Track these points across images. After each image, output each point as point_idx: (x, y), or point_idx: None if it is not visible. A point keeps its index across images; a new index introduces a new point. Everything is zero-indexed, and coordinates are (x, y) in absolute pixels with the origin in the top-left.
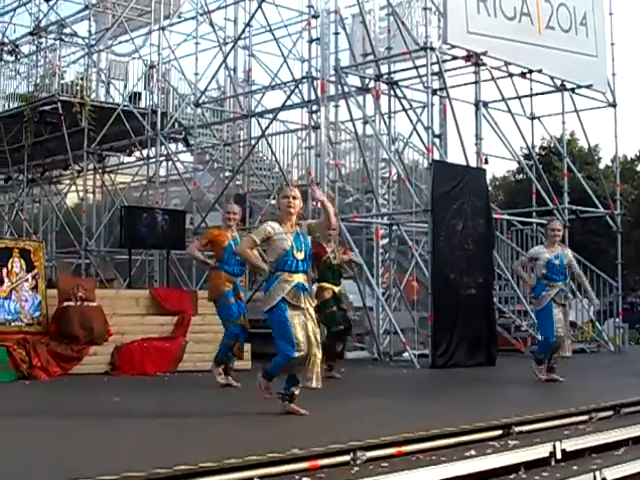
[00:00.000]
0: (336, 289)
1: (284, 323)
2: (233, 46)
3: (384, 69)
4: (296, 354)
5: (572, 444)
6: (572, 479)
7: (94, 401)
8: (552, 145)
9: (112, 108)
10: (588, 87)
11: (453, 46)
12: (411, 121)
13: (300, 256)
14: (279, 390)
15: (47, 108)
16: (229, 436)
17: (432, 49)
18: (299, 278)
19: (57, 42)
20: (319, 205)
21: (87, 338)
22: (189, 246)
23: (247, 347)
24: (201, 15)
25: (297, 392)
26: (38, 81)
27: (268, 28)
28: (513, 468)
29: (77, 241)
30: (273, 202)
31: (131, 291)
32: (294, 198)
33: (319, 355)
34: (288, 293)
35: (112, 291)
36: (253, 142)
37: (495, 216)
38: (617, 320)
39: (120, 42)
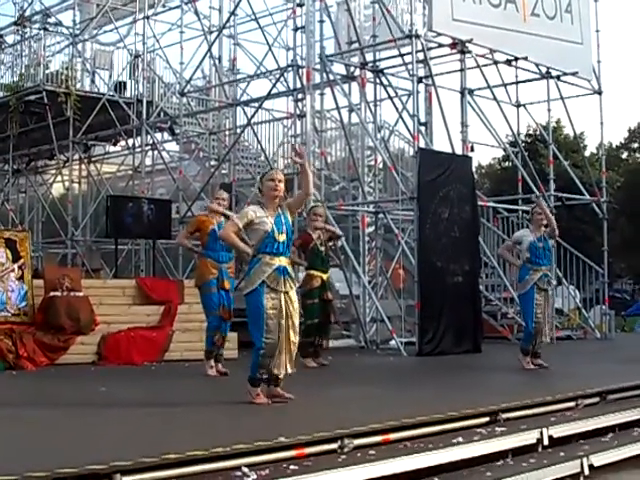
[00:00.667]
0: (324, 277)
1: (258, 309)
2: (218, 35)
3: (369, 57)
4: (264, 342)
5: (559, 430)
6: (559, 465)
7: (81, 391)
8: (538, 133)
9: (97, 98)
10: (573, 74)
11: (438, 34)
12: (397, 109)
13: (282, 238)
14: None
15: (32, 98)
16: (216, 425)
17: (417, 37)
18: (281, 261)
19: (42, 32)
20: (299, 167)
21: (73, 328)
22: (178, 235)
23: (234, 336)
24: (186, 4)
25: (281, 376)
26: (23, 71)
27: (253, 17)
28: (500, 454)
29: (63, 231)
30: (254, 189)
31: (117, 281)
32: (280, 181)
33: (294, 340)
34: (268, 277)
35: (98, 281)
36: (239, 131)
37: (481, 203)
38: (603, 307)
39: (105, 31)
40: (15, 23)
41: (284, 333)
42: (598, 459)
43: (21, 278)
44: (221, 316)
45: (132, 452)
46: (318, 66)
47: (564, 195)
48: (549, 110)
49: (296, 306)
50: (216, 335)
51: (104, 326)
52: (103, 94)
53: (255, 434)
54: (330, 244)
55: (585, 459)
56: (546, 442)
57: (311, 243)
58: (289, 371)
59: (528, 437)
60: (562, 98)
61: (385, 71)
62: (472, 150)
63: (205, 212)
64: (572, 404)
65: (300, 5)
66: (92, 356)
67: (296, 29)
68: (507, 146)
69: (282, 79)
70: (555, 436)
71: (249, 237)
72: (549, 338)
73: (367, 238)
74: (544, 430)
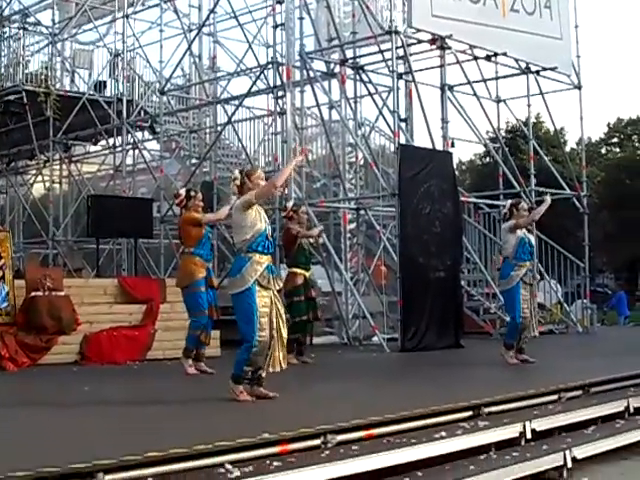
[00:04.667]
0: (307, 274)
1: (251, 307)
2: (198, 33)
3: (349, 54)
4: (258, 340)
5: (542, 424)
6: (542, 458)
7: (63, 391)
8: (518, 128)
9: (77, 97)
10: (553, 69)
11: (418, 30)
12: (377, 105)
13: (270, 238)
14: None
15: (12, 98)
16: (199, 422)
17: (397, 33)
18: (268, 260)
19: (21, 31)
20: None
21: (55, 328)
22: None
23: (216, 334)
24: (165, 2)
25: (264, 375)
26: (2, 71)
27: (233, 14)
28: (484, 448)
29: (44, 231)
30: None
31: (99, 280)
32: (262, 179)
33: (284, 336)
34: (260, 275)
35: (80, 280)
36: (219, 129)
37: (462, 199)
38: (585, 301)
39: (84, 31)
40: None
41: (276, 330)
42: (581, 452)
43: (2, 278)
44: (209, 315)
45: (115, 451)
46: (298, 63)
47: (545, 190)
48: (529, 105)
49: (281, 304)
50: (201, 334)
51: (86, 326)
52: (83, 93)
53: (238, 431)
54: (312, 241)
55: (568, 452)
56: (529, 435)
57: (296, 240)
58: (283, 367)
59: (511, 431)
60: (542, 93)
61: (365, 68)
62: (453, 146)
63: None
64: (555, 397)
65: (280, 2)
66: (74, 356)
67: (276, 26)
68: (488, 142)
69: (262, 77)
70: (538, 429)
71: (238, 227)
72: (537, 332)
73: (349, 235)
74: (527, 423)
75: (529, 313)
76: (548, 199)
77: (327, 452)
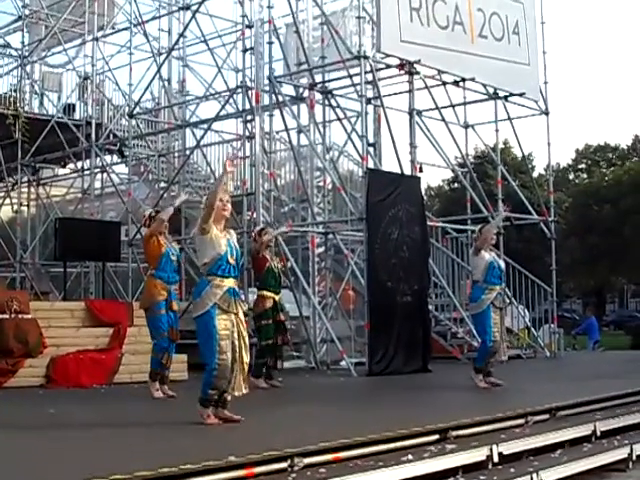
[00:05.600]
0: (277, 297)
1: (211, 332)
2: (167, 56)
3: (318, 78)
4: (217, 363)
5: (509, 447)
6: None
7: (29, 414)
8: (486, 153)
9: (46, 120)
10: (521, 95)
11: (387, 55)
12: (345, 130)
13: (232, 261)
14: (231, 418)
15: None
16: (165, 445)
17: (366, 58)
18: (230, 283)
19: None
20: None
21: (22, 351)
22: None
23: (184, 358)
24: (135, 26)
25: (229, 398)
26: None
27: (202, 38)
28: (451, 472)
29: (12, 254)
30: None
31: (66, 303)
32: (227, 201)
33: (246, 360)
34: (220, 298)
35: (47, 303)
36: (188, 153)
37: (430, 224)
38: (552, 326)
39: (53, 53)
40: None
41: (238, 353)
42: (548, 475)
43: None
44: (169, 338)
45: (80, 472)
46: (267, 87)
47: (513, 215)
48: (497, 131)
49: (244, 327)
50: (163, 357)
51: (53, 349)
52: (52, 116)
53: (204, 454)
54: (280, 265)
55: (535, 475)
56: (496, 459)
57: (266, 264)
58: (245, 391)
59: (478, 454)
60: (510, 119)
61: (334, 92)
62: (421, 171)
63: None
64: (522, 421)
65: (249, 27)
66: (41, 379)
67: (245, 50)
68: (456, 167)
69: (231, 100)
70: (505, 453)
71: (199, 251)
72: (506, 356)
73: (317, 259)
74: (494, 447)
75: (499, 337)
76: (501, 210)
77: (294, 475)
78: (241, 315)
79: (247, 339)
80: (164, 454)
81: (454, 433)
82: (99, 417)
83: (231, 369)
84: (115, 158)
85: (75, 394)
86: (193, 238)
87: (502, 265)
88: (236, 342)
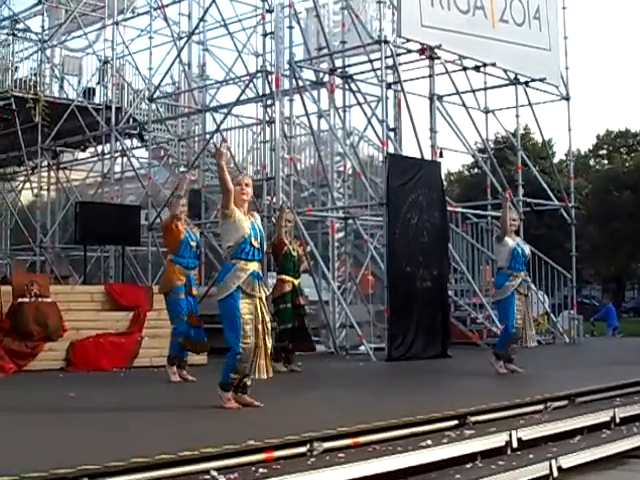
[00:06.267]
0: (296, 282)
1: (234, 314)
2: (187, 41)
3: (338, 63)
4: (242, 347)
5: (528, 433)
6: (528, 467)
7: (49, 397)
8: (506, 139)
9: (66, 104)
10: (541, 80)
11: (407, 40)
12: (366, 115)
13: (256, 244)
14: (254, 402)
15: (0, 104)
16: (185, 429)
17: (386, 42)
18: (254, 266)
19: (10, 37)
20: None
21: (42, 334)
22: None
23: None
24: (155, 10)
25: (249, 382)
26: None
27: (222, 23)
28: (470, 457)
29: (32, 238)
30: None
31: (86, 287)
32: (247, 185)
33: (269, 344)
34: (244, 282)
35: (67, 287)
36: (208, 137)
37: (450, 209)
38: (572, 312)
39: (73, 37)
40: None
41: (261, 338)
42: (566, 461)
43: None
44: (188, 322)
45: (100, 456)
46: (287, 72)
47: (533, 200)
48: (517, 116)
49: (267, 311)
50: (184, 341)
51: (73, 332)
52: (72, 100)
53: (224, 437)
54: (301, 250)
55: (554, 461)
56: (515, 445)
57: (284, 248)
58: (266, 376)
59: (497, 440)
60: (530, 104)
61: (354, 77)
62: (441, 156)
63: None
64: (541, 407)
65: (269, 11)
66: (61, 362)
67: (265, 35)
68: (476, 152)
69: (251, 85)
70: (524, 438)
71: (223, 235)
72: (535, 342)
73: (336, 244)
74: (513, 433)
75: (522, 324)
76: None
77: (313, 459)
78: (264, 299)
79: (269, 324)
80: (183, 438)
81: (473, 419)
82: (118, 401)
83: (254, 353)
84: (135, 142)
85: (95, 377)
86: (217, 224)
87: (527, 251)
88: (259, 326)
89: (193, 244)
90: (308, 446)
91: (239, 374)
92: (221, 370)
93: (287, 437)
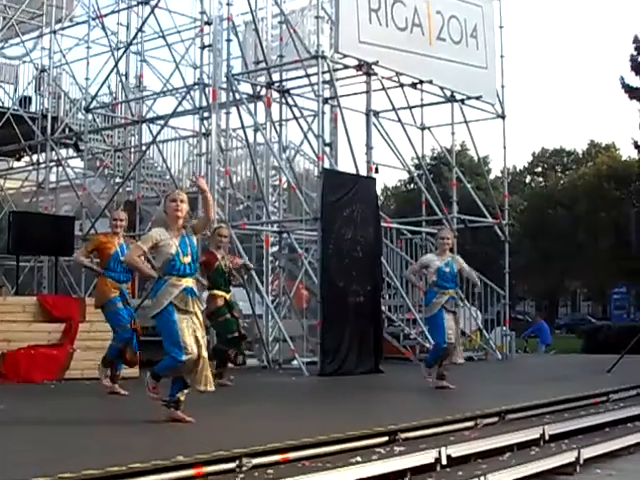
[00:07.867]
0: (227, 296)
1: (172, 326)
2: (125, 51)
3: (276, 77)
4: (184, 357)
5: (457, 450)
6: None
7: None
8: (442, 155)
9: (1, 112)
10: (477, 98)
11: (345, 55)
12: (302, 129)
13: (187, 260)
14: (164, 397)
15: None
16: (114, 444)
17: (324, 57)
18: (187, 282)
19: None
20: (201, 196)
21: None
22: (76, 253)
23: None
24: (93, 19)
25: (183, 398)
26: None
27: (161, 34)
28: (399, 474)
29: None
30: (159, 207)
31: (18, 298)
32: (182, 202)
33: (206, 358)
34: (176, 297)
35: None
36: (144, 148)
37: (384, 225)
38: (504, 328)
39: (11, 45)
40: None
41: (199, 351)
42: (496, 478)
43: None
44: (132, 328)
45: (27, 470)
46: (225, 85)
47: (467, 217)
48: (453, 133)
49: (203, 328)
50: (125, 348)
51: (4, 344)
52: (7, 108)
53: (153, 453)
54: (242, 272)
55: (483, 477)
56: (444, 461)
57: (215, 263)
58: (210, 389)
59: (426, 456)
60: (466, 122)
61: (291, 91)
62: (377, 172)
63: (106, 231)
64: (471, 424)
65: (208, 23)
66: None
67: (203, 47)
68: (412, 168)
69: (188, 97)
70: (454, 455)
71: (155, 258)
72: (462, 359)
73: (271, 258)
74: (442, 449)
75: (453, 339)
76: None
77: (242, 475)
78: (199, 314)
79: (204, 340)
80: (113, 452)
81: (403, 435)
82: (48, 413)
83: (197, 363)
84: (71, 152)
85: (25, 390)
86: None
87: (455, 269)
88: (200, 339)
89: (123, 259)
90: (237, 462)
91: (174, 375)
92: (159, 364)
93: (216, 452)
